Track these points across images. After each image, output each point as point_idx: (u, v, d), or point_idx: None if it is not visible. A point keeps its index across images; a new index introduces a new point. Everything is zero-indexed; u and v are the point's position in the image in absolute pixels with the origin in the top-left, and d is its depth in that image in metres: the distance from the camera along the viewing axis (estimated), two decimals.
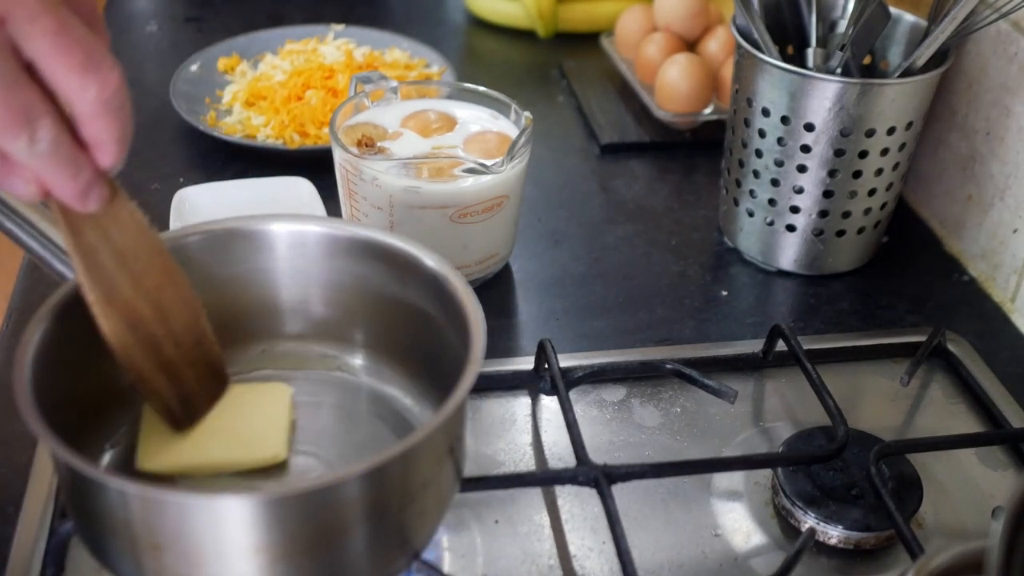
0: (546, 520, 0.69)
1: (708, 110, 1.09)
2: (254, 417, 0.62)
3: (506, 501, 0.69)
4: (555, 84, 1.23)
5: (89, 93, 0.48)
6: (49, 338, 0.56)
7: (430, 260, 0.62)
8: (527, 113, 0.85)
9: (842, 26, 0.85)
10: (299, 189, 0.91)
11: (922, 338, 0.81)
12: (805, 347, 0.77)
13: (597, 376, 0.77)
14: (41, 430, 0.50)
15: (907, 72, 0.85)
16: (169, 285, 0.58)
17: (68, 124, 0.49)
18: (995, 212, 0.89)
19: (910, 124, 0.86)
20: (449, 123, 0.88)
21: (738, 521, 0.69)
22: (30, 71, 0.48)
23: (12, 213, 0.58)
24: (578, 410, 0.73)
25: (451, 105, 0.90)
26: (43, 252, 0.59)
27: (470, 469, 0.62)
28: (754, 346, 0.81)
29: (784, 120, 0.86)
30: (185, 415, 0.60)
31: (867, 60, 0.90)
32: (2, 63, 0.47)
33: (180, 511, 0.49)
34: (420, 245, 0.63)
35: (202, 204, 0.88)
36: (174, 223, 0.85)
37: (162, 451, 0.60)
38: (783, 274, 0.93)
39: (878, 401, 0.80)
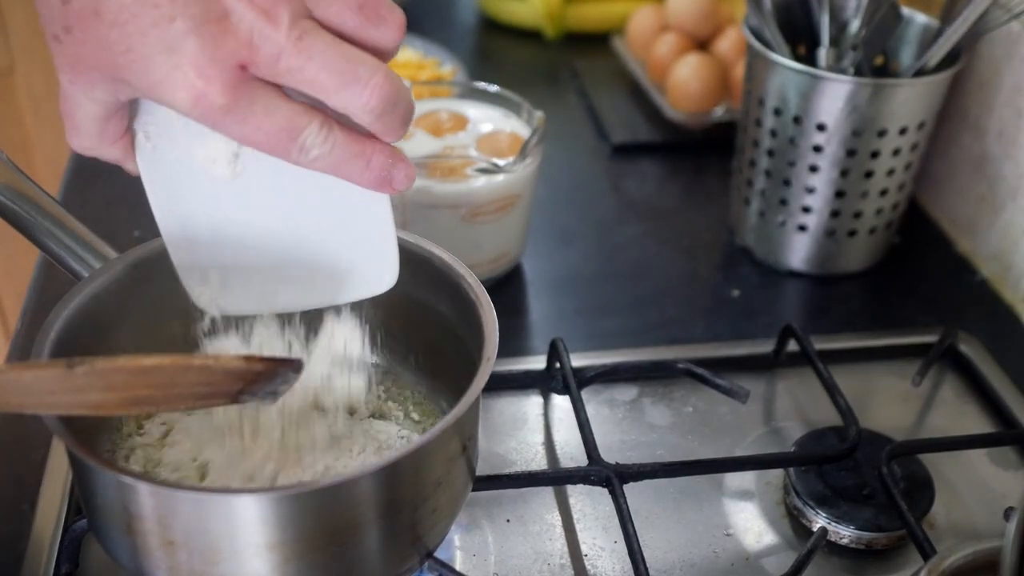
0: (558, 519, 0.69)
1: (719, 110, 1.09)
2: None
3: (518, 500, 0.69)
4: (566, 84, 1.23)
5: (352, 104, 0.49)
6: (64, 336, 0.56)
7: (443, 259, 0.62)
8: (539, 113, 0.85)
9: (854, 26, 0.85)
10: None
11: (934, 338, 0.81)
12: (816, 347, 0.77)
13: (609, 375, 0.77)
14: (56, 427, 0.50)
15: (919, 72, 0.85)
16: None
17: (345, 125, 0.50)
18: (1007, 212, 0.89)
19: (922, 124, 0.86)
20: (461, 123, 0.88)
21: (750, 521, 0.69)
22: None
23: (29, 212, 0.58)
24: (590, 409, 0.73)
25: (463, 105, 0.90)
26: (58, 251, 0.59)
27: (482, 468, 0.62)
28: (765, 346, 0.81)
29: (796, 120, 0.86)
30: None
31: (879, 60, 0.90)
32: (246, 94, 0.48)
33: (194, 508, 0.49)
34: (433, 244, 0.63)
35: None
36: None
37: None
38: (794, 274, 0.93)
39: (890, 401, 0.80)
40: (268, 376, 0.51)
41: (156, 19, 0.46)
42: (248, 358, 0.50)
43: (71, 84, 0.51)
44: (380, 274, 0.58)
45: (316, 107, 0.49)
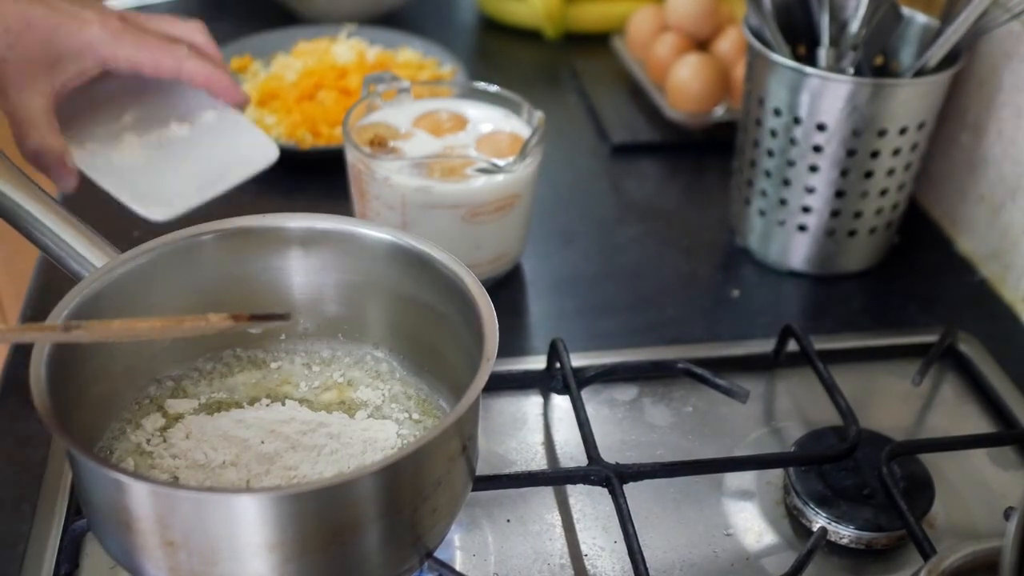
0: (558, 519, 0.69)
1: (719, 110, 1.09)
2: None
3: (518, 500, 0.69)
4: (566, 84, 1.23)
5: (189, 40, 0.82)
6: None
7: (443, 259, 0.62)
8: (539, 113, 0.85)
9: (854, 26, 0.85)
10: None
11: (934, 338, 0.81)
12: (816, 347, 0.77)
13: (609, 375, 0.77)
14: (57, 428, 0.50)
15: (919, 72, 0.85)
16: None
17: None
18: (1006, 212, 0.89)
19: (922, 124, 0.86)
20: (461, 123, 0.88)
21: (749, 521, 0.69)
22: None
23: (29, 212, 0.58)
24: (590, 409, 0.73)
25: (463, 105, 0.90)
26: (58, 252, 0.59)
27: (482, 468, 0.62)
28: (765, 346, 0.81)
29: (796, 120, 0.86)
30: None
31: (879, 60, 0.90)
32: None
33: (194, 508, 0.50)
34: (433, 244, 0.63)
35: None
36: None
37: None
38: (794, 274, 0.93)
39: (890, 401, 0.80)
40: (257, 326, 0.56)
41: (68, 11, 0.76)
42: (236, 316, 0.53)
43: (19, 91, 0.74)
44: (264, 152, 0.84)
45: None
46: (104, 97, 0.84)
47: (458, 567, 0.64)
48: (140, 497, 0.50)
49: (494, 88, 0.90)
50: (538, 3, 1.28)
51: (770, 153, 0.89)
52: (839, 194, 0.88)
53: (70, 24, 0.76)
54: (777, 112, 0.87)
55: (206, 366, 0.67)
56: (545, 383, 0.78)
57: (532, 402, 0.78)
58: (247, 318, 0.52)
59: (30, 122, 0.74)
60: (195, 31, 0.84)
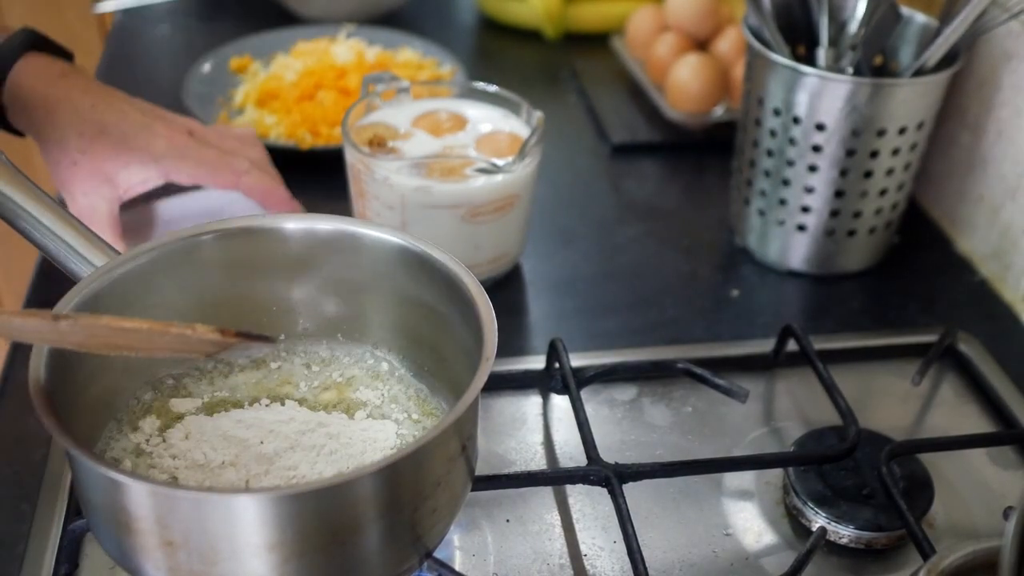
0: (557, 519, 0.69)
1: (719, 110, 1.09)
2: None
3: (517, 500, 0.69)
4: (566, 84, 1.23)
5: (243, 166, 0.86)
6: None
7: (443, 259, 0.62)
8: (539, 113, 0.85)
9: (853, 26, 0.85)
10: (235, 195, 0.91)
11: (933, 338, 0.81)
12: (816, 347, 0.77)
13: (608, 375, 0.77)
14: (56, 428, 0.50)
15: (918, 72, 0.85)
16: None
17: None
18: (1006, 212, 0.89)
19: (921, 124, 0.86)
20: (460, 123, 0.88)
21: (749, 520, 0.69)
22: None
23: (29, 213, 0.58)
24: (589, 409, 0.73)
25: (462, 105, 0.90)
26: (58, 252, 0.59)
27: (481, 468, 0.62)
28: (765, 346, 0.81)
29: (795, 120, 0.86)
30: None
31: (878, 60, 0.90)
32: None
33: (193, 508, 0.49)
34: (433, 244, 0.63)
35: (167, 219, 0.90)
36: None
37: None
38: (794, 274, 0.93)
39: (889, 401, 0.80)
40: (242, 347, 0.55)
41: (140, 122, 0.83)
42: (224, 331, 0.52)
43: (86, 195, 0.81)
44: None
45: None
46: (167, 205, 0.90)
47: (457, 567, 0.64)
48: (139, 497, 0.50)
49: (493, 88, 0.90)
50: (538, 3, 1.29)
51: (769, 153, 0.89)
52: (838, 194, 0.88)
53: (140, 136, 0.82)
54: (776, 112, 0.87)
55: (206, 365, 0.66)
56: (544, 383, 0.78)
57: (531, 402, 0.78)
58: (234, 335, 0.52)
59: (95, 225, 0.79)
60: (252, 145, 0.89)
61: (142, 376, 0.64)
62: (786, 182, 0.89)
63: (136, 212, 0.88)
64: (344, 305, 0.67)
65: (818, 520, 0.67)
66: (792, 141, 0.87)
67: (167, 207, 0.90)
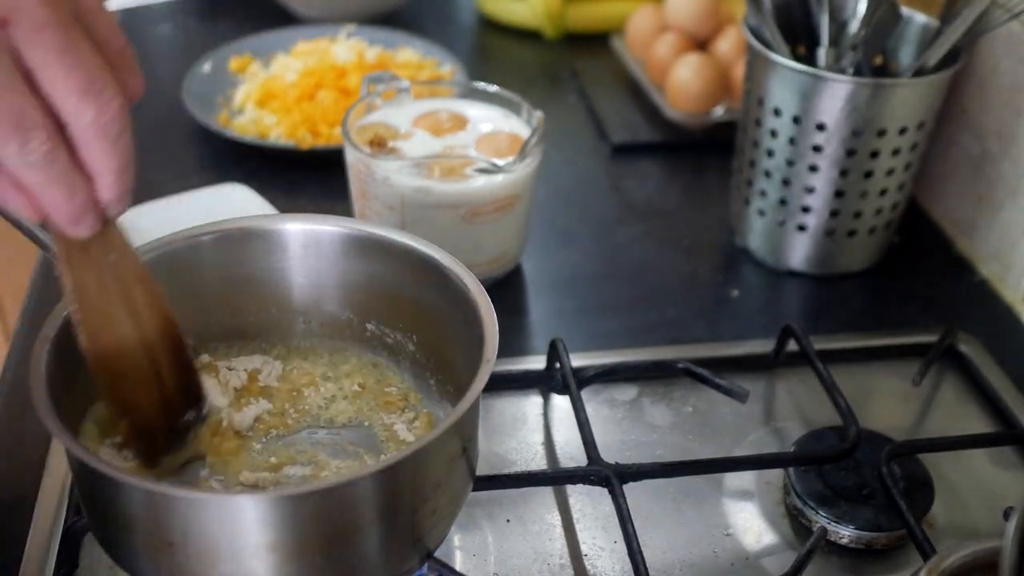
0: (558, 519, 0.69)
1: (719, 110, 1.09)
2: None
3: (518, 500, 0.69)
4: (566, 84, 1.23)
5: (86, 115, 0.47)
6: (64, 337, 0.56)
7: (443, 259, 0.62)
8: (539, 113, 0.85)
9: (854, 26, 0.85)
10: (236, 195, 0.91)
11: (933, 338, 0.81)
12: (816, 347, 0.77)
13: (608, 375, 0.77)
14: (57, 428, 0.50)
15: (919, 72, 0.85)
16: (150, 306, 0.57)
17: (68, 145, 0.48)
18: (1006, 212, 0.89)
19: (921, 124, 0.86)
20: (461, 123, 0.88)
21: (749, 520, 0.69)
22: (30, 82, 0.46)
23: None
24: (589, 409, 0.73)
25: (463, 105, 0.90)
26: None
27: (481, 468, 0.62)
28: (765, 346, 0.81)
29: (795, 120, 0.86)
30: (159, 430, 0.59)
31: (879, 60, 0.90)
32: None
33: (193, 509, 0.50)
34: (433, 245, 0.63)
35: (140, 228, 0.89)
36: None
37: None
38: (794, 274, 0.93)
39: (889, 401, 0.80)
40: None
41: None
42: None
43: None
44: None
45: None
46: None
47: (458, 567, 0.64)
48: (139, 497, 0.50)
49: (494, 88, 0.90)
50: (538, 3, 1.28)
51: (770, 153, 0.89)
52: (839, 194, 0.88)
53: None
54: (777, 112, 0.87)
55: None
56: (545, 383, 0.78)
57: (532, 402, 0.78)
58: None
59: None
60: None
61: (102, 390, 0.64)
62: (786, 182, 0.89)
63: None
64: (344, 305, 0.67)
65: (818, 520, 0.67)
66: (792, 141, 0.87)
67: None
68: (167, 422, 0.59)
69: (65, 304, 0.56)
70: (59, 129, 0.47)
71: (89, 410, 0.59)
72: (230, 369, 0.65)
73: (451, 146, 0.86)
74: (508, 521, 0.68)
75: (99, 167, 0.48)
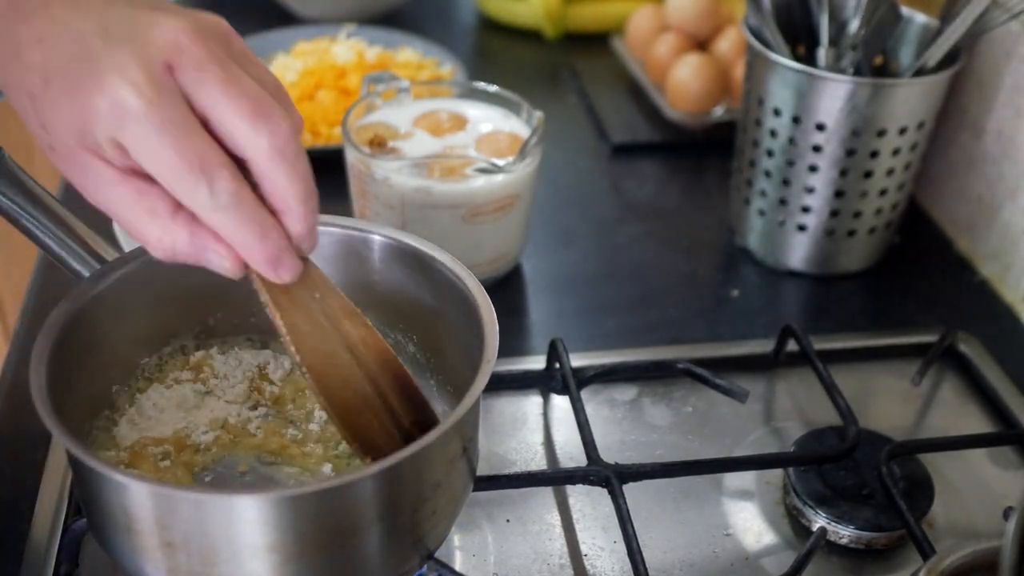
0: (557, 519, 0.69)
1: (719, 110, 1.09)
2: None
3: (517, 500, 0.69)
4: (566, 84, 1.23)
5: (261, 140, 0.47)
6: (65, 336, 0.56)
7: (444, 259, 0.62)
8: (539, 113, 0.85)
9: (854, 26, 0.85)
10: None
11: (933, 338, 0.81)
12: (816, 347, 0.77)
13: (608, 375, 0.77)
14: (57, 428, 0.50)
15: (919, 72, 0.85)
16: (364, 340, 0.57)
17: (250, 182, 0.48)
18: (1006, 212, 0.89)
19: (921, 124, 0.86)
20: (461, 123, 0.88)
21: (749, 521, 0.69)
22: (204, 124, 0.47)
23: (30, 212, 0.58)
24: (589, 409, 0.73)
25: (463, 105, 0.90)
26: (60, 251, 0.59)
27: (481, 468, 0.62)
28: (765, 346, 0.81)
29: (795, 120, 0.86)
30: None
31: (879, 60, 0.90)
32: (174, 109, 0.46)
33: (193, 509, 0.50)
34: (433, 245, 0.63)
35: None
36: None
37: None
38: (794, 274, 0.93)
39: (889, 401, 0.80)
40: None
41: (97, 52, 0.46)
42: None
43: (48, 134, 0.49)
44: None
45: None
46: None
47: (458, 567, 0.64)
48: (140, 498, 0.50)
49: (494, 88, 0.90)
50: (538, 3, 1.28)
51: (770, 153, 0.89)
52: (838, 194, 0.88)
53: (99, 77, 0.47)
54: (777, 112, 0.87)
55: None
56: (545, 383, 0.78)
57: (532, 402, 0.78)
58: None
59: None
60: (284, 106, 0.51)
61: (144, 373, 0.64)
62: (786, 182, 0.89)
63: None
64: None
65: (818, 520, 0.67)
66: (792, 141, 0.87)
67: None
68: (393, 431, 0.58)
69: (79, 292, 0.56)
70: (240, 167, 0.47)
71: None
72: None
73: (451, 146, 0.86)
74: (508, 521, 0.68)
75: (283, 195, 0.48)
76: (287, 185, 0.48)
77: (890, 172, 0.87)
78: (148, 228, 0.48)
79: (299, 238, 0.49)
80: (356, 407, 0.56)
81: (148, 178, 0.47)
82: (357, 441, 0.56)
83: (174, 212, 0.48)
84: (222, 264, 0.49)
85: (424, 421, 0.58)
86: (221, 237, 0.48)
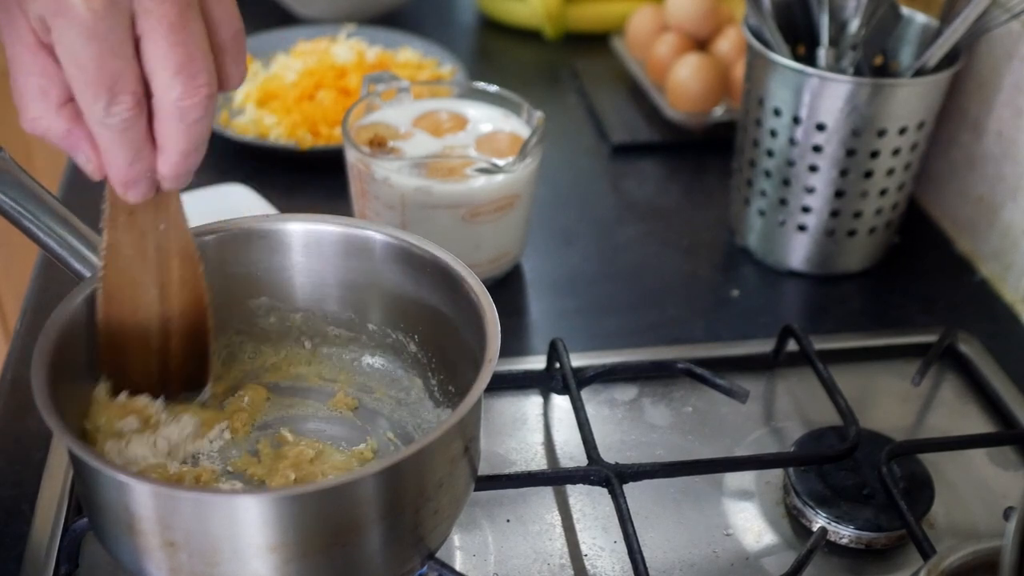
0: (558, 519, 0.69)
1: (719, 110, 1.09)
2: None
3: (518, 500, 0.69)
4: (566, 84, 1.23)
5: (172, 93, 0.48)
6: (66, 336, 0.56)
7: (444, 259, 0.62)
8: (539, 112, 0.85)
9: (854, 26, 0.85)
10: (236, 195, 0.91)
11: (933, 338, 0.81)
12: (816, 347, 0.77)
13: (608, 375, 0.77)
14: (57, 426, 0.50)
15: (919, 72, 0.85)
16: (185, 288, 0.58)
17: (148, 114, 0.49)
18: (1006, 212, 0.89)
19: (922, 124, 0.86)
20: (460, 123, 0.88)
21: (749, 521, 0.70)
22: (136, 47, 0.48)
23: (31, 212, 0.58)
24: (589, 409, 0.73)
25: (463, 105, 0.90)
26: (61, 251, 0.59)
27: (481, 468, 0.62)
28: (765, 346, 0.81)
29: (795, 120, 0.86)
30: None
31: (879, 60, 0.91)
32: (111, 28, 0.47)
33: (195, 508, 0.50)
34: (434, 244, 0.63)
35: None
36: None
37: None
38: (794, 274, 0.93)
39: (889, 401, 0.80)
40: None
41: None
42: None
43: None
44: None
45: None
46: None
47: (458, 567, 0.64)
48: (141, 497, 0.50)
49: (494, 88, 0.90)
50: (538, 3, 1.29)
51: (770, 153, 0.89)
52: (839, 194, 0.88)
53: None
54: (777, 112, 0.87)
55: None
56: (545, 383, 0.78)
57: (532, 402, 0.78)
58: None
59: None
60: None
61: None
62: (786, 182, 0.89)
63: None
64: (345, 305, 0.67)
65: (818, 520, 0.67)
66: (792, 141, 0.87)
67: None
68: (157, 397, 0.60)
69: (81, 292, 0.57)
70: (146, 98, 0.49)
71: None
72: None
73: (451, 146, 0.86)
74: (508, 521, 0.68)
75: (168, 144, 0.50)
76: (175, 137, 0.50)
77: (890, 172, 0.87)
78: (32, 104, 0.49)
79: (162, 177, 0.52)
80: (129, 334, 0.58)
81: (57, 60, 0.48)
82: (112, 366, 0.58)
83: (62, 103, 0.49)
84: (85, 166, 0.51)
85: (193, 375, 0.61)
86: (95, 144, 0.50)
